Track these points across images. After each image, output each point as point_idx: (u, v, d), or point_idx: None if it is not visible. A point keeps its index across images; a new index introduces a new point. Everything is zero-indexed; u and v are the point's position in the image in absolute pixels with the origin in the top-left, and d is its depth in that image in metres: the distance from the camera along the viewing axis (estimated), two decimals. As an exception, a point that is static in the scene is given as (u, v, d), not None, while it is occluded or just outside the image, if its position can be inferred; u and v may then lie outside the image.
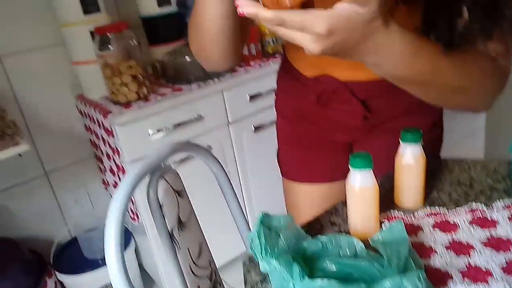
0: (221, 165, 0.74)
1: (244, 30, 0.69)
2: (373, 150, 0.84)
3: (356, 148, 0.90)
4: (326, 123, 0.86)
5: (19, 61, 1.52)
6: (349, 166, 0.58)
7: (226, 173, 0.75)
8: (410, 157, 0.64)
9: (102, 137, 1.46)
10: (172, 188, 0.65)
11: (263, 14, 0.46)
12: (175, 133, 1.43)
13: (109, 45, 1.33)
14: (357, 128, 0.84)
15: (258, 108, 1.62)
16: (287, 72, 0.89)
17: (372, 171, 0.58)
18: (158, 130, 1.39)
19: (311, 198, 0.95)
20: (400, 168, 0.66)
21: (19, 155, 1.16)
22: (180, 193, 0.68)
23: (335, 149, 0.90)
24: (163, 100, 1.38)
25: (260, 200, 1.76)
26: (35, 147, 1.60)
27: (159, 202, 0.63)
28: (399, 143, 0.65)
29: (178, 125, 1.43)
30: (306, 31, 0.45)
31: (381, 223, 0.64)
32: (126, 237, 1.69)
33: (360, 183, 0.58)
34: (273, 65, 1.59)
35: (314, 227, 0.68)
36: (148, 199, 0.62)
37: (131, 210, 1.51)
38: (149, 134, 1.38)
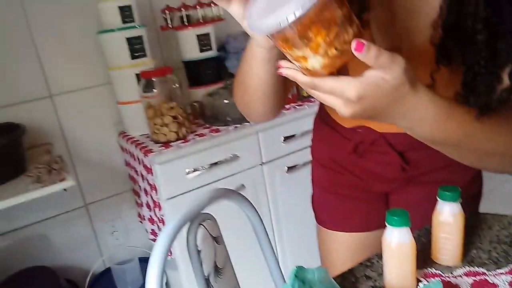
0: (258, 213, 0.76)
1: (288, 83, 0.72)
2: (410, 201, 0.84)
3: (393, 199, 0.90)
4: (362, 173, 0.87)
5: (68, 99, 1.62)
6: (386, 223, 0.59)
7: (262, 221, 0.77)
8: (448, 215, 0.64)
9: (141, 173, 1.52)
10: (210, 234, 0.68)
11: (300, 78, 0.50)
12: (210, 172, 1.47)
13: (153, 88, 1.41)
14: (395, 179, 0.85)
15: (292, 149, 1.65)
16: (323, 120, 0.91)
17: (409, 228, 0.58)
18: (195, 169, 1.43)
19: (345, 246, 0.94)
20: (437, 225, 0.66)
21: (64, 189, 1.22)
22: (217, 239, 0.70)
23: (371, 199, 0.90)
24: (201, 141, 1.43)
25: (291, 241, 1.75)
26: (78, 179, 1.68)
27: (197, 248, 0.65)
28: (437, 196, 0.65)
29: (214, 164, 1.47)
30: (337, 96, 0.48)
31: (418, 280, 0.63)
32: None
33: (397, 240, 0.58)
34: (308, 108, 1.62)
35: (348, 280, 0.67)
36: (187, 245, 0.64)
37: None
38: (186, 172, 1.42)
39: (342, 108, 0.49)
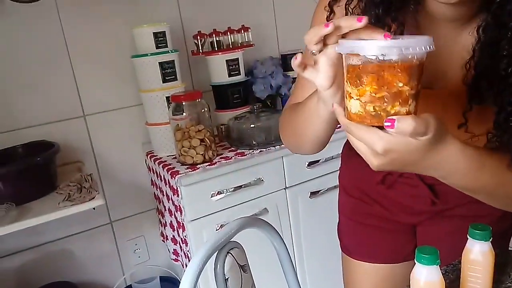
0: (284, 242, 0.76)
1: None
2: (438, 235, 0.83)
3: (420, 231, 0.89)
4: (390, 204, 0.87)
5: (100, 119, 1.69)
6: (415, 260, 0.59)
7: (287, 250, 0.77)
8: (478, 254, 0.63)
9: (167, 194, 1.55)
10: (237, 263, 0.69)
11: (340, 117, 0.53)
12: (234, 195, 1.48)
13: (183, 111, 1.45)
14: (423, 212, 0.84)
15: (316, 175, 1.65)
16: (352, 149, 0.92)
17: (438, 266, 0.58)
18: (219, 192, 1.45)
19: (371, 277, 0.93)
20: (467, 263, 0.65)
21: (93, 208, 1.26)
22: (244, 267, 0.71)
23: (398, 230, 0.90)
24: (226, 164, 1.45)
25: (312, 266, 1.73)
26: (105, 197, 1.72)
27: (224, 276, 0.66)
28: (466, 230, 0.65)
29: (238, 187, 1.48)
30: (367, 146, 0.50)
31: (447, 320, 0.62)
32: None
33: (426, 278, 0.58)
34: (334, 134, 1.62)
35: (374, 315, 0.67)
36: (215, 273, 0.66)
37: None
38: (211, 195, 1.44)
39: (369, 158, 0.51)
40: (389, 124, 0.47)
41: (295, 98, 0.77)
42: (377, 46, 0.46)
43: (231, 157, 1.50)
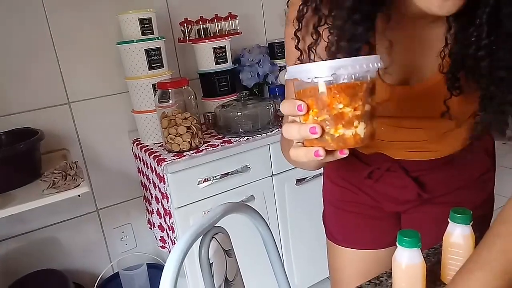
0: (269, 228, 0.77)
1: None
2: (421, 221, 0.85)
3: (405, 218, 0.90)
4: (376, 194, 0.88)
5: (85, 107, 1.66)
6: (397, 243, 0.60)
7: (273, 236, 0.78)
8: (459, 237, 0.65)
9: (153, 181, 1.54)
10: (222, 248, 0.69)
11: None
12: (221, 182, 1.48)
13: (169, 99, 1.44)
14: (408, 201, 0.85)
15: (303, 163, 1.66)
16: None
17: (420, 249, 0.59)
18: (206, 179, 1.45)
19: (356, 263, 0.95)
20: (448, 247, 0.66)
21: (78, 195, 1.25)
22: (228, 252, 0.71)
23: (382, 217, 0.91)
24: (213, 151, 1.45)
25: (297, 252, 1.75)
26: (91, 185, 1.71)
27: (209, 261, 0.66)
28: (448, 218, 0.66)
29: (225, 175, 1.49)
30: None
31: (427, 301, 0.63)
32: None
33: (407, 261, 0.59)
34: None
35: (357, 298, 0.68)
36: (199, 258, 0.66)
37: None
38: (197, 182, 1.44)
39: None
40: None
41: None
42: (310, 69, 0.45)
43: (218, 145, 1.50)
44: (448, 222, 0.66)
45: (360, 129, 0.46)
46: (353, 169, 0.87)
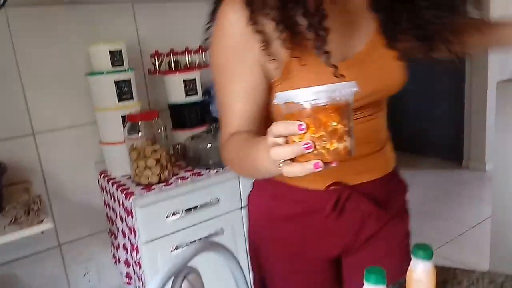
0: (241, 267, 0.77)
1: None
2: (368, 260, 0.87)
3: (348, 262, 0.93)
4: (329, 234, 0.88)
5: (50, 137, 1.63)
6: (364, 281, 0.62)
7: (243, 273, 0.78)
8: (421, 273, 0.68)
9: (120, 215, 1.51)
10: None
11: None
12: (190, 215, 1.47)
13: (139, 131, 1.44)
14: (355, 239, 0.89)
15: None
16: (280, 199, 0.89)
17: (386, 286, 0.61)
18: (174, 213, 1.44)
19: None
20: (411, 283, 0.69)
21: (42, 232, 1.20)
22: (200, 292, 0.71)
23: (324, 268, 0.92)
24: (182, 184, 1.44)
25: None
26: (53, 219, 1.65)
27: (181, 301, 0.66)
28: (411, 253, 0.69)
29: (194, 208, 1.48)
30: None
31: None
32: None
33: None
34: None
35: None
36: (171, 299, 0.65)
37: (139, 290, 1.51)
38: (166, 216, 1.42)
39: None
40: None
41: (240, 118, 0.77)
42: (309, 93, 0.52)
43: (187, 177, 1.49)
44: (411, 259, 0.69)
45: (349, 143, 0.54)
46: (310, 211, 0.86)
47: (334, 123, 0.53)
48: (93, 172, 1.72)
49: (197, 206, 1.48)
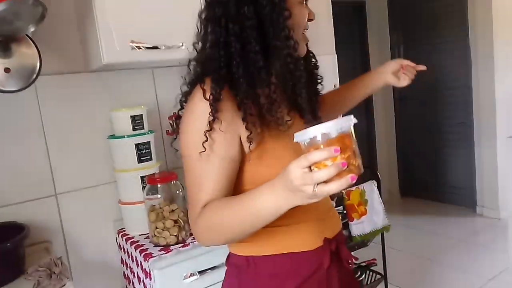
0: None
1: None
2: None
3: None
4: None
5: (72, 198, 1.68)
6: None
7: None
8: None
9: (138, 275, 1.53)
10: None
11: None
12: (207, 276, 1.48)
13: (157, 192, 1.48)
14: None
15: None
16: (279, 275, 0.91)
17: None
18: (192, 274, 1.45)
19: None
20: None
21: (63, 295, 1.23)
22: None
23: None
24: (200, 245, 1.47)
25: None
26: (72, 276, 1.67)
27: None
28: None
29: (211, 268, 1.49)
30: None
31: None
32: None
33: None
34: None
35: None
36: None
37: None
38: (184, 277, 1.44)
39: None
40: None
41: (214, 191, 0.84)
42: (336, 125, 0.66)
43: (204, 237, 1.52)
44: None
45: (360, 160, 0.69)
46: (308, 272, 0.91)
47: (354, 146, 0.67)
48: (111, 231, 1.75)
49: (215, 266, 1.49)
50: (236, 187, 0.88)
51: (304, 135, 0.67)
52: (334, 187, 0.65)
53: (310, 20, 0.94)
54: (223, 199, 0.83)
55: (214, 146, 0.82)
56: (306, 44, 0.96)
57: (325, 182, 0.65)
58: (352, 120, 0.68)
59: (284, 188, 0.70)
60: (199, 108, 0.83)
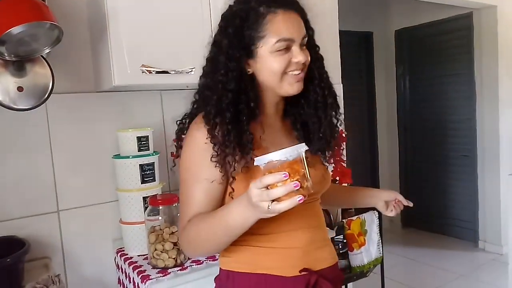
0: None
1: None
2: None
3: None
4: None
5: (74, 215, 1.69)
6: None
7: None
8: None
9: (134, 296, 1.52)
10: None
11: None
12: (203, 300, 1.48)
13: (159, 214, 1.49)
14: None
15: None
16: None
17: None
18: (190, 298, 1.45)
19: None
20: None
21: (59, 314, 1.22)
22: None
23: None
24: (198, 269, 1.47)
25: None
26: (67, 294, 1.67)
27: None
28: None
29: (207, 293, 1.48)
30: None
31: None
32: None
33: None
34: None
35: None
36: None
37: None
38: (181, 301, 1.43)
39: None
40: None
41: (199, 208, 0.95)
42: (282, 153, 0.78)
43: (202, 261, 1.52)
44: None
45: (310, 182, 0.80)
46: None
47: (303, 170, 0.78)
48: (110, 250, 1.76)
49: (211, 291, 1.49)
50: (228, 202, 0.97)
51: (261, 160, 0.80)
52: (284, 205, 0.77)
53: (298, 61, 0.97)
54: (203, 214, 0.94)
55: (202, 171, 0.95)
56: (312, 81, 1.05)
57: (278, 200, 0.77)
58: (303, 147, 0.80)
59: (247, 203, 0.81)
60: (194, 139, 0.98)
